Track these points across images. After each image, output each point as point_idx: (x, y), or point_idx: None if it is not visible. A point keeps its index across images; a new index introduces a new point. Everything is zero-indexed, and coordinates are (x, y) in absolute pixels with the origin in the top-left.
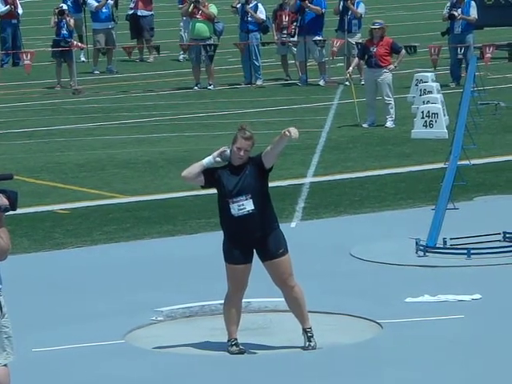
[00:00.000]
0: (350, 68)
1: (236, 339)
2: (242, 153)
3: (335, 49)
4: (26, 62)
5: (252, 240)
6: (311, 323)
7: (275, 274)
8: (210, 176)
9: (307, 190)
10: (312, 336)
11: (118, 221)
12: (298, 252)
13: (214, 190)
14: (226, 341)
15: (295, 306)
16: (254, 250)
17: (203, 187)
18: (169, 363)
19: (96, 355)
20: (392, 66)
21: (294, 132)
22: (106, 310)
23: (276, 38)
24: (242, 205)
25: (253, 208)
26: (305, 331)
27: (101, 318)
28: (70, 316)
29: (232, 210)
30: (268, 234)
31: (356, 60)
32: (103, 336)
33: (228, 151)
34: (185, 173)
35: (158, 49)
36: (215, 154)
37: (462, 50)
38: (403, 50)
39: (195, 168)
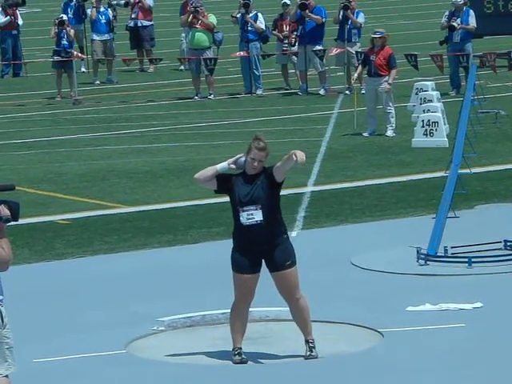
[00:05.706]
0: (356, 74)
1: (240, 348)
2: (255, 163)
3: (332, 54)
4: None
5: (260, 250)
6: (314, 335)
7: (281, 285)
8: (225, 182)
9: (308, 199)
10: (314, 347)
11: (119, 231)
12: (298, 261)
13: (214, 200)
14: (227, 350)
15: (299, 318)
16: (263, 261)
17: (216, 192)
18: (170, 373)
19: (97, 365)
20: (387, 85)
21: (300, 157)
22: (107, 320)
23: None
24: (251, 214)
25: (261, 219)
26: (307, 342)
27: (102, 328)
28: (71, 326)
29: (241, 219)
30: (276, 246)
31: (360, 67)
32: (104, 346)
33: (243, 159)
34: (197, 175)
35: (152, 61)
36: (230, 160)
37: (465, 59)
38: (395, 70)
39: (208, 171)
